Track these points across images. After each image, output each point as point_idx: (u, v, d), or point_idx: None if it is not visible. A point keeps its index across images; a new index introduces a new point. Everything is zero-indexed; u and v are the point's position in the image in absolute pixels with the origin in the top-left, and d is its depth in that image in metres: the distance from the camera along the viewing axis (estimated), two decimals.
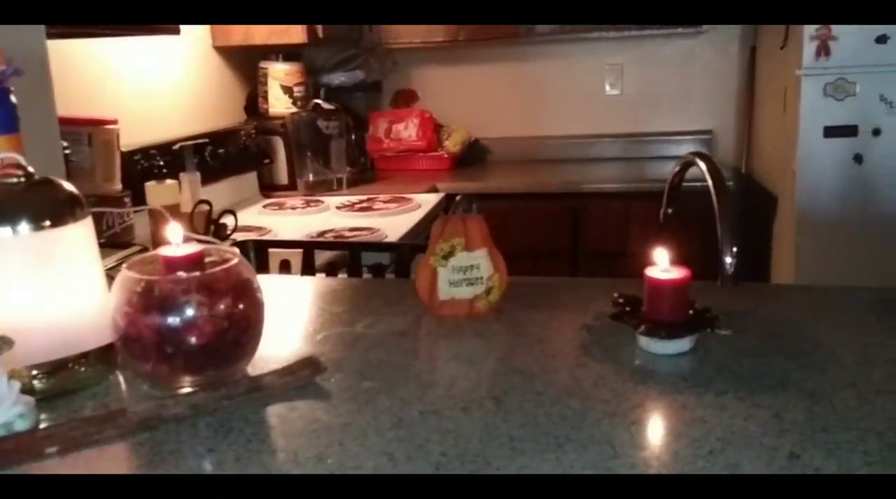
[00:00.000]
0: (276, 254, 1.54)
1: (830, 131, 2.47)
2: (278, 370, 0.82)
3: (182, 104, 2.47)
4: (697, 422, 0.72)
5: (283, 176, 2.74)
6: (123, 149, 1.95)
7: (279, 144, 2.72)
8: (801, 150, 2.49)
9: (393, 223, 2.24)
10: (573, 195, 2.80)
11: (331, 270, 1.52)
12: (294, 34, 2.59)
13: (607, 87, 3.25)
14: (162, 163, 2.09)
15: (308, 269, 1.49)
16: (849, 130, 2.46)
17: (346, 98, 3.10)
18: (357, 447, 0.69)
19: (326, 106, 2.75)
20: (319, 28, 2.62)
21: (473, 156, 3.28)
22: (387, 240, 2.05)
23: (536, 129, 3.33)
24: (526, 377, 0.82)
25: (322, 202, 2.54)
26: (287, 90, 2.76)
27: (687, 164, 1.28)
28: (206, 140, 2.32)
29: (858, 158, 2.47)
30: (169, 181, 1.86)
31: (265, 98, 2.76)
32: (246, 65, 2.82)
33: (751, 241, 3.14)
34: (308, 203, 2.54)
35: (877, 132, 2.43)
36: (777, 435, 0.69)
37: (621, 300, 0.93)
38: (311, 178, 2.72)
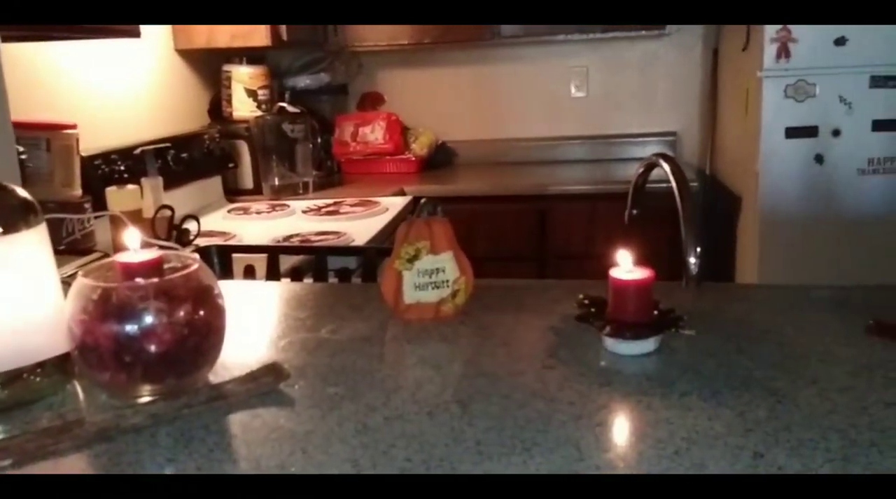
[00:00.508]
0: (240, 259, 1.52)
1: (792, 132, 2.51)
2: (241, 377, 0.81)
3: (144, 108, 2.43)
4: (662, 423, 0.72)
5: (247, 180, 2.72)
6: (83, 154, 1.92)
7: (244, 148, 2.69)
8: (764, 150, 2.53)
9: (360, 227, 2.22)
10: (539, 197, 2.80)
11: (296, 275, 1.50)
12: (258, 37, 2.56)
13: (573, 90, 3.27)
14: (123, 168, 2.06)
15: (273, 274, 1.47)
16: (809, 131, 2.50)
17: (312, 101, 3.08)
18: (321, 455, 0.68)
19: (291, 109, 2.73)
20: (283, 31, 2.60)
21: (440, 158, 3.28)
22: (353, 244, 2.04)
23: (503, 131, 3.33)
24: (492, 381, 0.82)
25: (288, 206, 2.52)
26: (251, 93, 2.73)
27: (651, 165, 1.29)
28: (169, 144, 2.29)
29: (819, 159, 2.51)
30: (130, 186, 1.84)
31: (229, 101, 2.73)
32: (209, 68, 2.79)
33: (715, 241, 3.17)
34: (273, 207, 2.52)
35: (836, 133, 2.48)
36: (741, 434, 0.70)
37: (586, 302, 0.93)
38: (276, 182, 2.69)
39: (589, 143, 3.28)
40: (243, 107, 2.72)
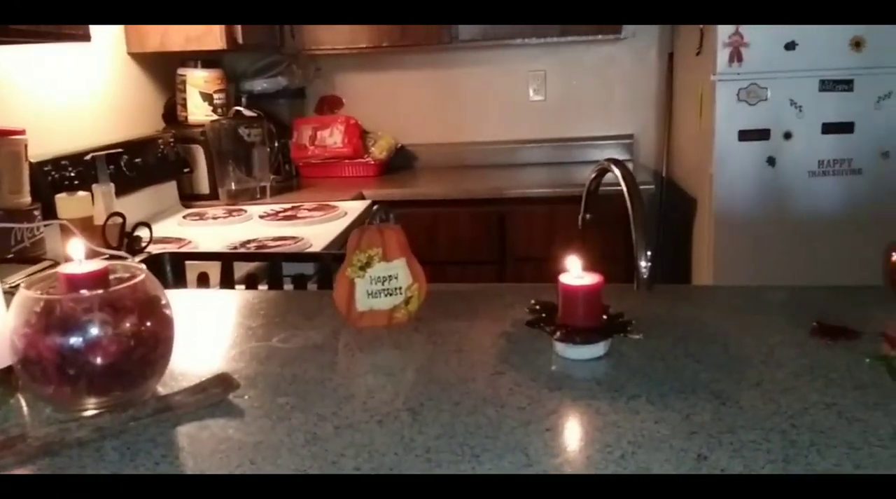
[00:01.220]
0: (193, 266, 1.50)
1: (744, 135, 2.55)
2: (189, 388, 0.80)
3: (96, 113, 2.39)
4: (610, 427, 0.73)
5: (203, 185, 2.68)
6: (33, 160, 1.88)
7: (199, 153, 2.66)
8: (718, 153, 2.57)
9: (318, 232, 2.21)
10: (498, 201, 2.81)
11: (251, 282, 1.49)
12: (212, 40, 2.53)
13: (531, 93, 3.29)
14: (74, 174, 2.02)
15: (227, 281, 1.46)
16: (762, 134, 2.55)
17: (269, 105, 3.06)
18: (269, 466, 0.68)
19: (248, 113, 2.71)
20: (239, 34, 2.57)
21: (400, 162, 3.28)
22: (310, 249, 2.02)
23: (462, 135, 3.34)
24: (443, 387, 0.82)
25: (245, 211, 2.49)
26: (207, 97, 2.70)
27: (602, 170, 1.30)
28: (121, 150, 2.25)
29: (771, 161, 2.56)
30: (81, 193, 1.80)
31: (184, 106, 2.70)
32: (163, 72, 2.75)
33: (672, 243, 3.22)
34: (230, 212, 2.49)
35: (788, 136, 2.53)
36: (686, 437, 0.71)
37: (538, 307, 0.94)
38: (233, 187, 2.67)
39: (548, 146, 3.30)
40: (199, 111, 2.69)
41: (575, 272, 0.89)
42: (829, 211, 2.55)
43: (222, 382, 0.81)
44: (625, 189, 1.19)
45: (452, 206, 2.83)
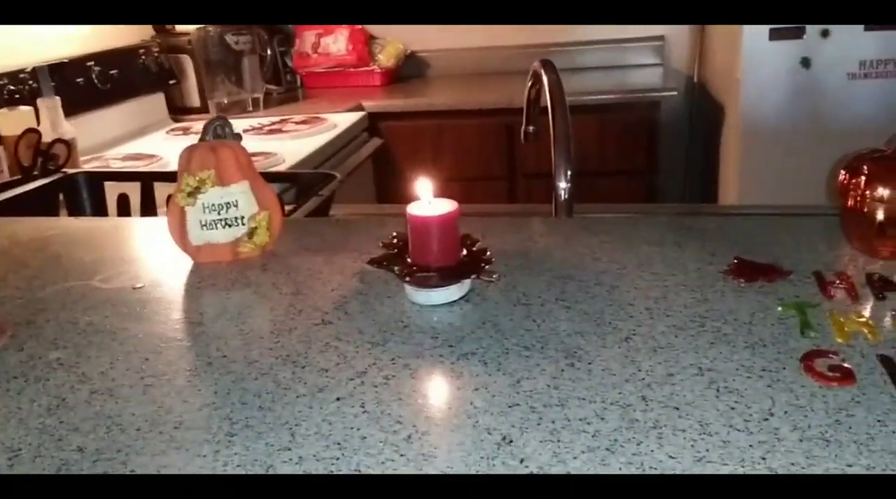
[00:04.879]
0: (114, 188, 1.40)
1: (776, 34, 2.27)
2: None
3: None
4: (415, 396, 0.59)
5: (194, 98, 2.57)
6: None
7: (187, 63, 2.53)
8: (746, 54, 2.30)
9: (296, 147, 2.08)
10: (509, 111, 2.60)
11: None
12: None
13: None
14: (34, 87, 1.92)
15: (148, 204, 1.35)
16: (795, 32, 2.26)
17: None
18: None
19: None
20: None
21: (410, 71, 3.08)
22: (280, 166, 1.90)
23: (479, 39, 3.11)
24: (248, 342, 0.69)
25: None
26: None
27: (538, 75, 1.12)
28: (91, 61, 2.13)
29: (806, 62, 2.28)
30: (23, 108, 1.71)
31: None
32: None
33: (702, 155, 2.97)
34: None
35: (825, 33, 2.24)
36: (501, 412, 0.56)
37: (395, 241, 0.79)
38: (224, 100, 2.54)
39: (571, 50, 3.04)
40: None
41: (425, 199, 0.73)
42: (870, 118, 2.28)
43: None
44: (548, 100, 1.01)
45: (459, 117, 2.64)
